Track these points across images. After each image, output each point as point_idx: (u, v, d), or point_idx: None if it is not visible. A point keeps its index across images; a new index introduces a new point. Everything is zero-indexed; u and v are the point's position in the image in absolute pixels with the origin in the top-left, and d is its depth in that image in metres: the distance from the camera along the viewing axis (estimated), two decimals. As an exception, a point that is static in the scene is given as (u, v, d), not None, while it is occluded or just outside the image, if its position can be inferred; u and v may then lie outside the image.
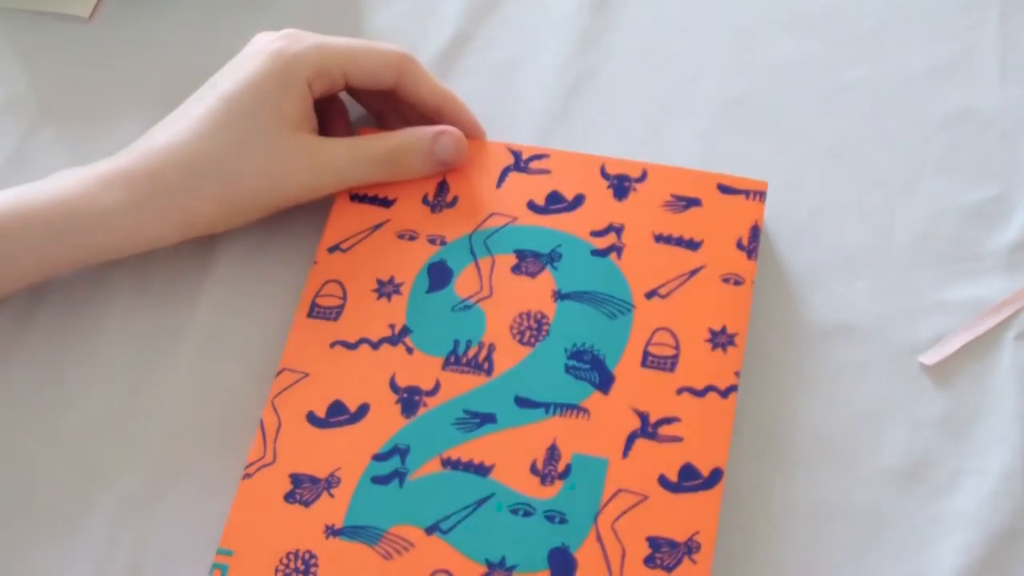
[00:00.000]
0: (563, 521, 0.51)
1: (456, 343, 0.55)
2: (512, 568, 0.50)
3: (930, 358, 0.56)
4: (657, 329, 0.55)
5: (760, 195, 0.58)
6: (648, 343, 0.54)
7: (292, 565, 0.50)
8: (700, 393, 0.53)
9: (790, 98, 0.64)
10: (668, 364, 0.54)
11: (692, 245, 0.57)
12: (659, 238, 0.57)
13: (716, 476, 0.51)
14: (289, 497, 0.52)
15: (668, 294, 0.56)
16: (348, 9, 0.69)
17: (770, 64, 0.65)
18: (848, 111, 0.63)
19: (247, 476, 0.53)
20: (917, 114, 0.63)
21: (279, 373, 0.55)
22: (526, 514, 0.51)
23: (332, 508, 0.51)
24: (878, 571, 0.52)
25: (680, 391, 0.53)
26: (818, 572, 0.52)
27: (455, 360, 0.54)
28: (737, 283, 0.56)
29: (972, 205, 0.60)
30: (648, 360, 0.54)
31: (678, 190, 0.58)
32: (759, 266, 0.59)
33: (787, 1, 0.67)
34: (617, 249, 0.57)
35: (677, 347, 0.54)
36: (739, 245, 0.57)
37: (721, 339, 0.54)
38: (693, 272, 0.56)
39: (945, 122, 0.63)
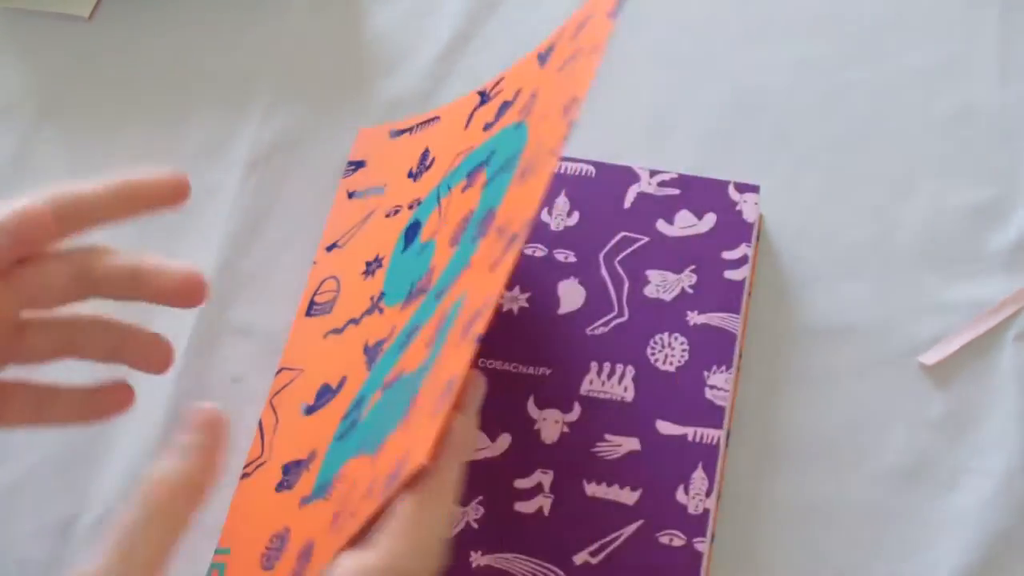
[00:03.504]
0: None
1: (412, 283, 0.53)
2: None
3: (930, 358, 0.56)
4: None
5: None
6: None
7: (272, 545, 0.50)
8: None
9: (790, 98, 0.64)
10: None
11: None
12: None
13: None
14: (280, 486, 0.52)
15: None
16: (348, 9, 0.69)
17: (770, 64, 0.65)
18: (848, 111, 0.63)
19: (245, 476, 0.53)
20: (917, 114, 0.63)
21: (278, 372, 0.55)
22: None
23: (307, 481, 0.51)
24: (878, 571, 0.52)
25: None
26: (818, 572, 0.52)
27: (410, 298, 0.53)
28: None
29: (972, 205, 0.60)
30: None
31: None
32: (759, 266, 0.59)
33: (788, 1, 0.67)
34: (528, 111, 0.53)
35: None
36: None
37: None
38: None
39: (945, 122, 0.63)
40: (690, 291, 0.56)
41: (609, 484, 0.52)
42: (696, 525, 0.51)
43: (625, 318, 0.56)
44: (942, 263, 0.59)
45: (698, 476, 0.52)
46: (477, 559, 0.51)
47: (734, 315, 0.55)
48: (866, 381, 0.56)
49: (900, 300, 0.58)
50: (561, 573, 0.50)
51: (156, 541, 0.40)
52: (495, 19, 0.68)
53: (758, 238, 0.59)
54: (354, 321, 0.55)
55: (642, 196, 0.58)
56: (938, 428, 0.55)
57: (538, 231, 0.58)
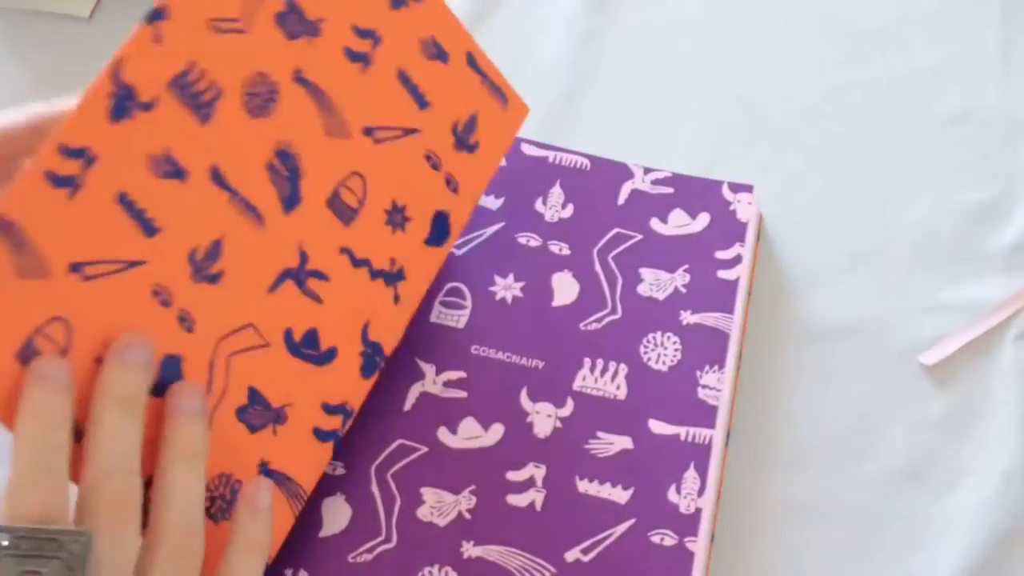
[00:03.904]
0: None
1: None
2: None
3: (930, 358, 0.56)
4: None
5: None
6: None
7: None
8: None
9: (790, 98, 0.64)
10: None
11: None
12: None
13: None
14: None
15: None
16: (348, 9, 0.69)
17: (770, 64, 0.65)
18: (848, 111, 0.63)
19: None
20: (917, 114, 0.63)
21: None
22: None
23: None
24: (878, 571, 0.52)
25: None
26: (818, 572, 0.52)
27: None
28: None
29: (972, 205, 0.60)
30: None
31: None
32: (759, 266, 0.59)
33: (787, 1, 0.67)
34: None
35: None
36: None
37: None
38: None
39: (945, 122, 0.63)
40: (683, 290, 0.56)
41: (601, 482, 0.52)
42: (688, 525, 0.51)
43: (618, 315, 0.56)
44: (942, 263, 0.59)
45: (690, 476, 0.52)
46: (468, 549, 0.51)
47: (728, 315, 0.55)
48: (866, 381, 0.56)
49: (900, 300, 0.58)
50: (553, 570, 0.50)
51: None
52: (496, 19, 0.68)
53: (758, 238, 0.59)
54: None
55: (636, 193, 0.59)
56: (938, 428, 0.55)
57: (533, 220, 0.58)
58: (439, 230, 0.53)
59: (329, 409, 0.50)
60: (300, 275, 0.48)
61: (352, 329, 0.50)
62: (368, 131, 0.50)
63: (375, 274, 0.51)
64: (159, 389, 0.45)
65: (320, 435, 0.49)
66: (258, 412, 0.48)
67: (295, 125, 0.48)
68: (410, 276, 0.52)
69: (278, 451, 0.48)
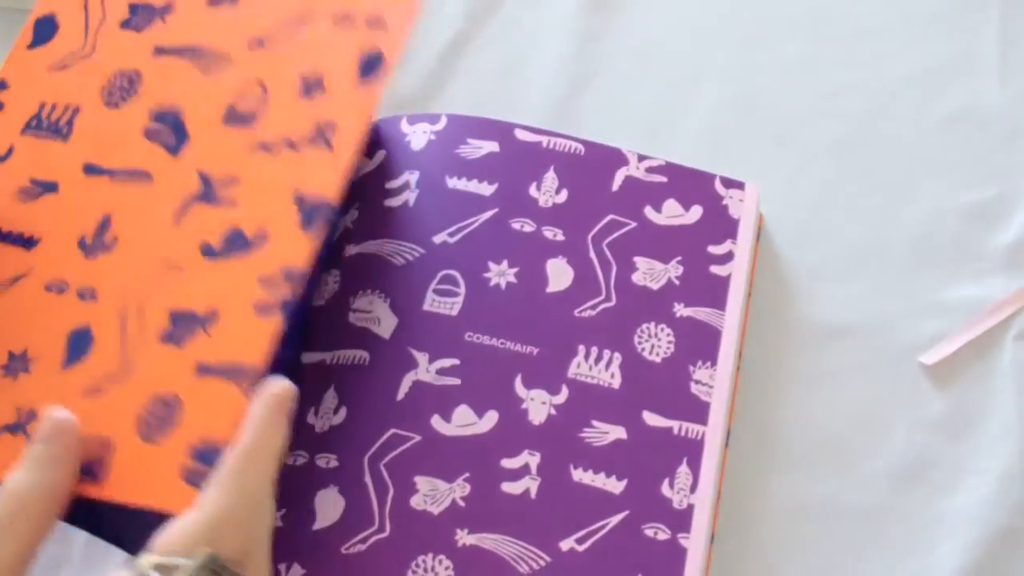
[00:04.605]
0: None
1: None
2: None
3: (930, 358, 0.56)
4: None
5: None
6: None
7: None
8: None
9: (790, 98, 0.64)
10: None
11: None
12: None
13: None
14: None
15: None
16: (348, 9, 0.69)
17: (770, 64, 0.65)
18: (848, 111, 0.63)
19: None
20: (917, 114, 0.63)
21: None
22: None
23: None
24: (878, 571, 0.52)
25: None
26: (818, 572, 0.52)
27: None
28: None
29: (972, 205, 0.60)
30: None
31: None
32: (759, 266, 0.59)
33: (787, 1, 0.67)
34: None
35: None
36: None
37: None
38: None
39: (945, 122, 0.63)
40: (676, 282, 0.56)
41: (596, 471, 0.52)
42: (681, 521, 0.50)
43: (612, 303, 0.55)
44: (942, 263, 0.59)
45: (683, 471, 0.52)
46: (463, 537, 0.50)
47: (719, 311, 0.55)
48: (866, 381, 0.56)
49: (900, 300, 0.58)
50: (547, 559, 0.50)
51: (9, 551, 0.41)
52: (495, 19, 0.68)
53: (758, 237, 0.59)
54: None
55: (630, 180, 0.58)
56: (938, 428, 0.55)
57: (527, 205, 0.58)
58: (370, 65, 0.52)
59: (269, 282, 0.49)
60: (208, 194, 0.49)
61: (281, 203, 0.50)
62: (258, 43, 0.51)
63: (295, 145, 0.50)
64: (72, 361, 0.46)
65: (263, 309, 0.48)
66: (184, 327, 0.48)
67: (164, 87, 0.50)
68: (341, 120, 0.51)
69: (215, 347, 0.48)
